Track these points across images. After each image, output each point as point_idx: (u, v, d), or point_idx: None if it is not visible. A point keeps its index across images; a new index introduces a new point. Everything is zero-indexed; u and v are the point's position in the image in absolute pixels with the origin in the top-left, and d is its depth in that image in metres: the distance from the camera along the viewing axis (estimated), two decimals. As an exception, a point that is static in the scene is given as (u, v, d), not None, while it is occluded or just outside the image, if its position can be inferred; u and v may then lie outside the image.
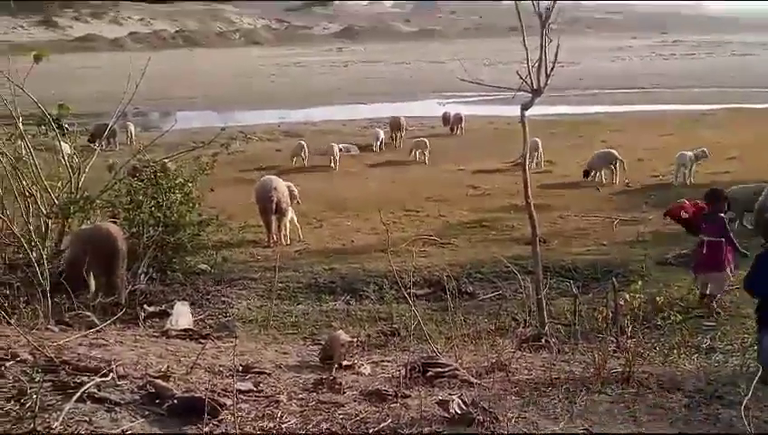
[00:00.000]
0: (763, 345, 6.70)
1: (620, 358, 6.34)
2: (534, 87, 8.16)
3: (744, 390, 5.22)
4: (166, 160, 12.94)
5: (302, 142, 26.09)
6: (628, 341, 6.57)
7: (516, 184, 16.30)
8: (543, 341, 7.80)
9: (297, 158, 25.04)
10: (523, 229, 13.99)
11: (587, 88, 51.84)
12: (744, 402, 4.97)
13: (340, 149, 25.52)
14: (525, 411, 5.03)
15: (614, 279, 9.00)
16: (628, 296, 7.07)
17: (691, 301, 10.06)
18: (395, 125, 29.97)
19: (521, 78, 8.14)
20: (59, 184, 11.38)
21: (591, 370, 5.99)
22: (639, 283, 7.68)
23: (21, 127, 11.28)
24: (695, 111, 38.19)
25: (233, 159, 22.92)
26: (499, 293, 11.15)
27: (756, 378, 5.52)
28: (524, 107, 8.57)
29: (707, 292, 10.00)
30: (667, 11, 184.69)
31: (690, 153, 19.60)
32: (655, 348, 7.42)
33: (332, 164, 24.55)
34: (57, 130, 12.14)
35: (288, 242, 14.64)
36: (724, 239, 10.11)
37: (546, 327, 8.16)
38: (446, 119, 32.78)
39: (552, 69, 8.08)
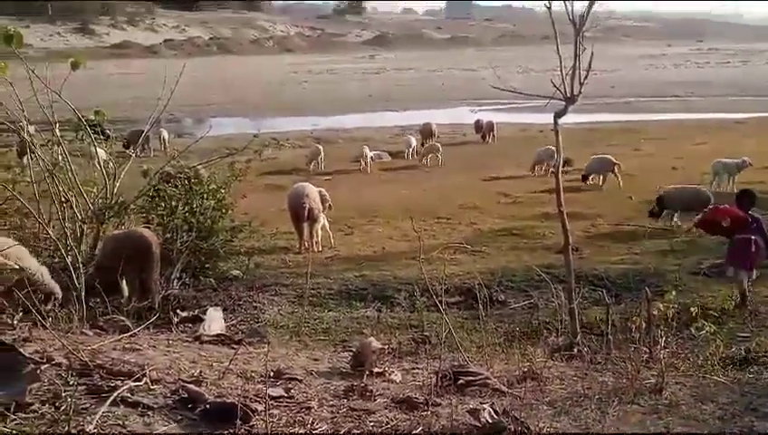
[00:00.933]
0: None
1: (653, 369, 6.29)
2: (568, 95, 8.13)
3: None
4: (199, 166, 13.02)
5: (319, 146, 26.68)
6: (662, 351, 6.51)
7: (547, 192, 16.24)
8: (576, 350, 7.75)
9: (314, 162, 25.49)
10: (555, 238, 13.93)
11: (621, 96, 51.51)
12: (780, 415, 4.91)
13: (372, 158, 25.74)
14: (557, 422, 5.00)
15: (647, 289, 8.93)
16: (661, 306, 7.00)
17: (726, 311, 9.95)
18: (426, 132, 29.97)
19: (554, 86, 8.11)
20: (94, 189, 11.49)
21: (624, 380, 5.95)
22: (674, 293, 7.62)
23: (57, 133, 11.42)
24: (729, 119, 37.81)
25: (265, 166, 23.09)
26: (531, 301, 11.10)
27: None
28: (558, 115, 8.54)
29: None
30: (703, 17, 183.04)
31: (730, 161, 19.49)
32: (688, 359, 7.35)
33: (364, 165, 24.97)
34: (93, 137, 12.26)
35: (319, 249, 14.67)
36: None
37: (578, 337, 8.11)
38: (478, 126, 32.72)
39: (586, 77, 8.05)
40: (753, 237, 10.52)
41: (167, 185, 12.36)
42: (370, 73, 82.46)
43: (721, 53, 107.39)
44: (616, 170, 20.90)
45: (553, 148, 20.63)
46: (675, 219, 15.81)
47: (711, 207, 13.00)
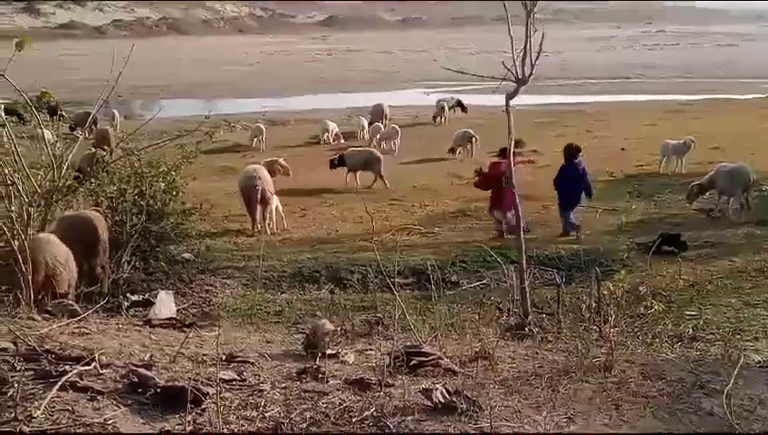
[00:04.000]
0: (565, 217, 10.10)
1: (603, 347, 6.37)
2: (519, 77, 8.17)
3: (726, 379, 5.25)
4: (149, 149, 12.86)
5: (261, 125, 27.00)
6: (611, 330, 6.59)
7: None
8: (527, 330, 7.81)
9: (257, 139, 25.96)
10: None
11: (572, 78, 51.92)
12: (726, 391, 5.00)
13: (337, 135, 26.92)
14: (508, 400, 5.04)
15: (597, 268, 9.04)
16: (611, 286, 7.09)
17: (674, 290, 10.11)
18: (377, 113, 29.90)
19: (506, 67, 8.14)
20: (41, 172, 11.29)
21: (574, 359, 6.02)
22: (623, 272, 7.72)
23: (2, 114, 11.17)
24: (677, 101, 38.34)
25: (217, 148, 22.87)
26: (483, 282, 11.18)
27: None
28: (509, 96, 8.59)
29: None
30: (653, 1, 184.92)
31: (678, 142, 19.75)
32: (637, 337, 7.45)
33: (324, 138, 26.33)
34: (40, 118, 12.02)
35: (273, 231, 14.60)
36: None
37: (530, 316, 8.19)
38: (441, 108, 32.60)
39: (537, 59, 8.09)
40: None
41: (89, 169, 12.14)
42: (323, 55, 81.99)
43: (670, 35, 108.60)
44: (473, 142, 23.32)
45: (471, 131, 22.01)
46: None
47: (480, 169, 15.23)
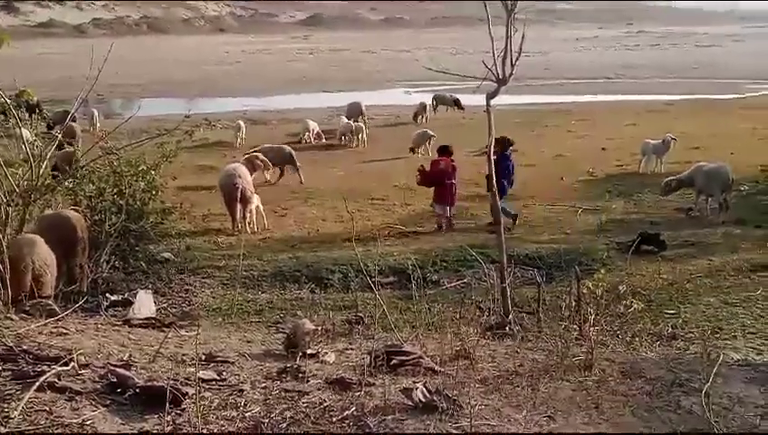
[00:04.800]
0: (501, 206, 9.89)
1: (583, 346, 6.40)
2: (500, 76, 8.19)
3: (705, 377, 5.28)
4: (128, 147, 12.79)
5: (240, 123, 27.31)
6: (591, 329, 6.62)
7: (480, 173, 16.35)
8: (507, 329, 7.83)
9: (238, 137, 26.09)
10: (488, 218, 14.08)
11: (553, 78, 52.07)
12: (705, 389, 5.03)
13: (318, 134, 26.79)
14: (489, 399, 5.05)
15: (577, 268, 9.07)
16: (591, 285, 7.12)
17: (653, 289, 10.17)
18: (354, 111, 29.89)
19: (486, 67, 8.15)
20: (19, 171, 11.20)
21: (554, 357, 6.04)
22: (603, 271, 7.75)
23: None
24: (658, 101, 38.53)
25: (197, 147, 22.78)
26: (464, 281, 11.18)
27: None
28: (490, 96, 8.60)
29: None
30: (635, 2, 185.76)
31: (658, 142, 19.84)
32: (617, 336, 7.49)
33: (307, 136, 26.23)
34: (20, 117, 11.91)
35: (253, 230, 14.57)
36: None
37: (510, 315, 8.20)
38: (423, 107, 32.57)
39: (518, 59, 8.11)
40: (452, 182, 15.09)
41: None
42: (304, 54, 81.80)
43: (650, 35, 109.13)
44: (431, 142, 23.04)
45: (430, 131, 22.49)
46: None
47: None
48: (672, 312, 9.42)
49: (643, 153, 20.03)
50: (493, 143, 8.94)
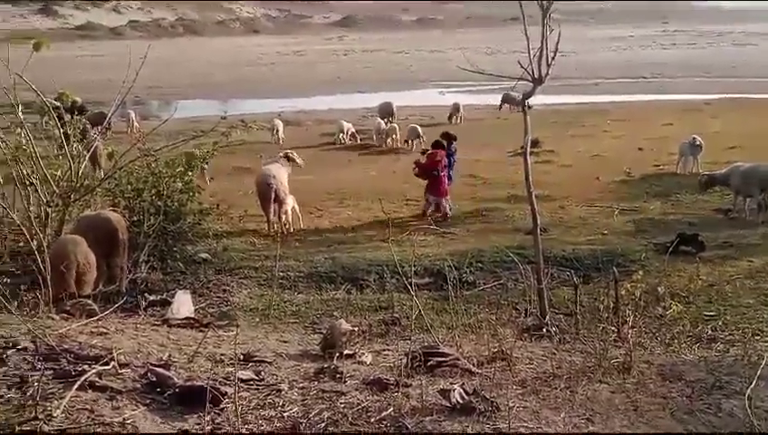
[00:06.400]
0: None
1: (621, 348, 6.34)
2: (535, 76, 8.15)
3: (746, 380, 5.22)
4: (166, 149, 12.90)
5: (277, 121, 27.83)
6: (630, 330, 6.56)
7: (517, 174, 16.30)
8: (544, 330, 7.80)
9: (275, 135, 26.68)
10: (524, 219, 14.01)
11: (589, 78, 51.74)
12: (747, 392, 4.97)
13: (353, 134, 27.28)
14: (526, 401, 5.03)
15: (615, 269, 9.00)
16: (629, 286, 7.06)
17: (693, 290, 10.06)
18: (385, 112, 29.90)
19: (522, 67, 8.12)
20: (59, 172, 11.34)
21: (592, 359, 5.99)
22: (641, 272, 7.68)
23: (21, 115, 11.22)
24: (696, 100, 38.12)
25: (233, 148, 22.90)
26: (500, 282, 11.15)
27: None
28: (526, 96, 8.57)
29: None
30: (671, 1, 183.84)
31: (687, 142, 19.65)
32: (656, 338, 7.43)
33: (341, 137, 26.73)
34: (57, 119, 12.06)
35: (289, 231, 14.63)
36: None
37: (547, 317, 8.17)
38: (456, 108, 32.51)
39: (554, 58, 8.07)
40: (443, 174, 15.92)
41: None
42: (338, 55, 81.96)
43: (687, 34, 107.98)
44: (420, 138, 24.32)
45: (419, 129, 23.47)
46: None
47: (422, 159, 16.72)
48: (711, 314, 9.32)
49: (681, 153, 19.83)
50: (528, 145, 8.90)
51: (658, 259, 11.49)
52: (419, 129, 24.86)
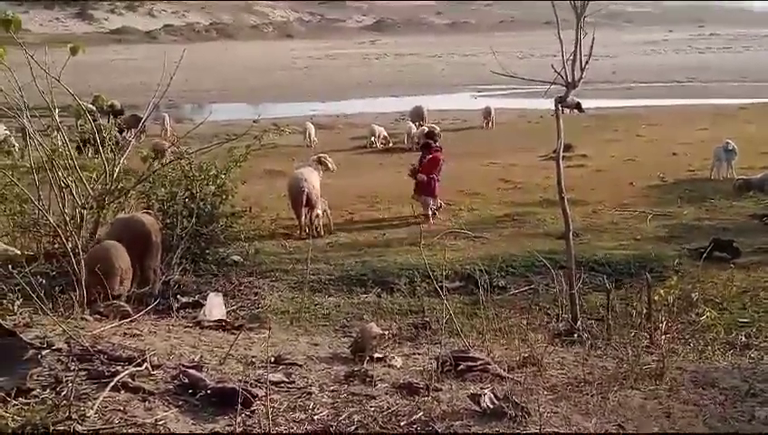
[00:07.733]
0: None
1: (654, 354, 6.30)
2: (569, 80, 8.12)
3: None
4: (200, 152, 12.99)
5: (309, 124, 28.18)
6: (662, 336, 6.51)
7: (549, 178, 16.22)
8: (576, 336, 7.76)
9: (307, 138, 27.09)
10: (556, 224, 13.93)
11: (622, 82, 51.43)
12: (781, 400, 4.91)
13: (385, 138, 27.43)
14: (557, 407, 5.01)
15: (648, 274, 8.93)
16: (662, 292, 7.00)
17: (727, 297, 9.96)
18: (416, 115, 29.90)
19: (555, 71, 8.09)
20: (94, 174, 11.46)
21: (624, 365, 5.95)
22: (674, 278, 7.62)
23: (57, 118, 11.36)
24: (731, 105, 37.73)
25: (265, 151, 23.04)
26: (531, 287, 11.10)
27: None
28: (559, 100, 8.53)
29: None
30: (705, 4, 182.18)
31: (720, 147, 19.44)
32: (689, 344, 7.36)
33: (372, 140, 27.04)
34: (93, 122, 12.20)
35: (320, 234, 14.67)
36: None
37: (579, 322, 8.12)
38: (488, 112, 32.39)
39: (587, 62, 8.03)
40: (433, 176, 16.10)
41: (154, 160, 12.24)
42: (371, 59, 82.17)
43: (722, 38, 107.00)
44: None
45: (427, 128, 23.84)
46: None
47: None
48: (746, 320, 9.20)
49: (715, 158, 19.61)
50: (561, 148, 8.87)
51: (692, 265, 11.38)
52: (437, 128, 24.72)
